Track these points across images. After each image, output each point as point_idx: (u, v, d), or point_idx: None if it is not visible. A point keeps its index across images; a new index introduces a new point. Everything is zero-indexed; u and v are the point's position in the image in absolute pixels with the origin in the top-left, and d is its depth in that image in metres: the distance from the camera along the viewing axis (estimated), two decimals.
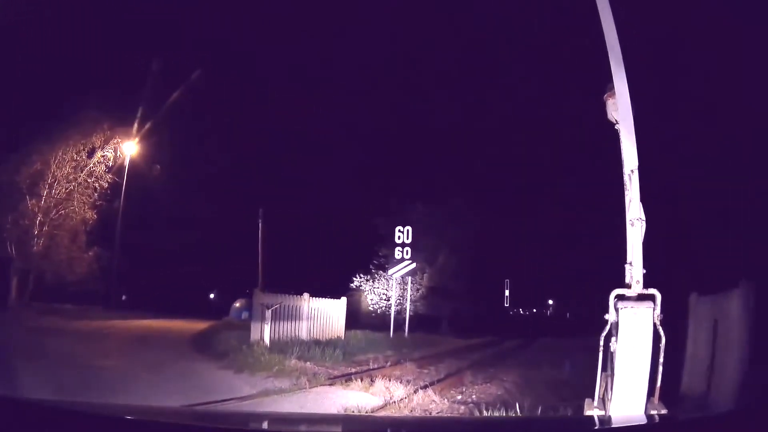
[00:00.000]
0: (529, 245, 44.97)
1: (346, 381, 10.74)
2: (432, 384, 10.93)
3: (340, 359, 14.52)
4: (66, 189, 26.64)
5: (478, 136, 42.85)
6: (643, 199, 5.49)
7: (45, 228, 26.10)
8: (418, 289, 30.97)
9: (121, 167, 29.19)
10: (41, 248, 25.97)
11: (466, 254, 34.52)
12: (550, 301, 71.81)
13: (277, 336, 15.94)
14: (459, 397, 10.21)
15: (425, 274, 32.14)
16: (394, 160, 45.05)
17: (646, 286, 5.28)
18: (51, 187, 26.07)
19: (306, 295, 18.32)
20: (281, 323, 16.49)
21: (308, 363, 13.08)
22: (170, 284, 38.64)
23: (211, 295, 48.54)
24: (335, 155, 44.25)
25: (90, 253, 27.58)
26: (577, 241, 40.80)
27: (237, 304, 31.14)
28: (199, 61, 31.34)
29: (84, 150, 26.94)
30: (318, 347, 15.08)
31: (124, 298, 32.37)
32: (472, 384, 11.80)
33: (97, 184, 27.57)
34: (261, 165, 44.19)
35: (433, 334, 26.26)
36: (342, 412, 7.55)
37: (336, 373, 12.43)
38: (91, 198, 27.47)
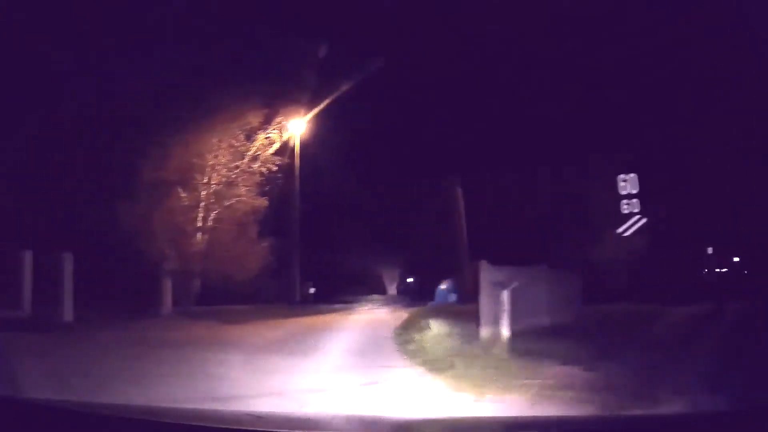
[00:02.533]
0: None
1: None
2: None
3: None
4: (227, 178, 23.68)
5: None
6: None
7: (207, 223, 23.30)
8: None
9: (290, 147, 26.08)
10: (203, 245, 23.12)
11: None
12: (736, 259, 63.40)
13: (514, 325, 11.16)
14: None
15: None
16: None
17: None
18: (209, 178, 23.23)
19: (543, 268, 15.05)
20: (518, 306, 11.62)
21: (575, 368, 8.59)
22: (360, 271, 35.46)
23: (409, 280, 45.85)
24: (517, 109, 38.35)
25: (264, 245, 24.14)
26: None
27: (442, 286, 27.26)
28: (366, 29, 27.63)
29: (242, 133, 23.90)
30: (569, 337, 10.84)
31: (312, 291, 28.52)
32: None
33: (264, 168, 24.30)
34: (446, 136, 39.62)
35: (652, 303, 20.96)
36: None
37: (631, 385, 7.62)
38: (258, 184, 24.28)
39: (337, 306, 27.60)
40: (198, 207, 22.99)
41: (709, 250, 40.27)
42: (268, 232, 24.66)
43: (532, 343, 10.41)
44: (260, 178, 24.23)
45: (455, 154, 37.36)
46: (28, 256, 15.88)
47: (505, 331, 10.56)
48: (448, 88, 37.35)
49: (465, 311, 18.37)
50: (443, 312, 18.74)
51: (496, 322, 10.81)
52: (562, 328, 13.03)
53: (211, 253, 23.06)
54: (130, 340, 12.33)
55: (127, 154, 20.68)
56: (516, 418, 6.24)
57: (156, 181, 21.75)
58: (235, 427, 3.61)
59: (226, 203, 23.52)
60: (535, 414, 6.58)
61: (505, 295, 10.70)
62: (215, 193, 23.32)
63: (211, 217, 23.27)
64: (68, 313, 15.50)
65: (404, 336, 13.08)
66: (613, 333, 12.43)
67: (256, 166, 24.18)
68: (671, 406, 6.17)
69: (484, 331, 10.85)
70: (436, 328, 13.00)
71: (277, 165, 24.55)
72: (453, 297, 26.38)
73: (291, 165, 25.92)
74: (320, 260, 30.49)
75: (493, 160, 35.64)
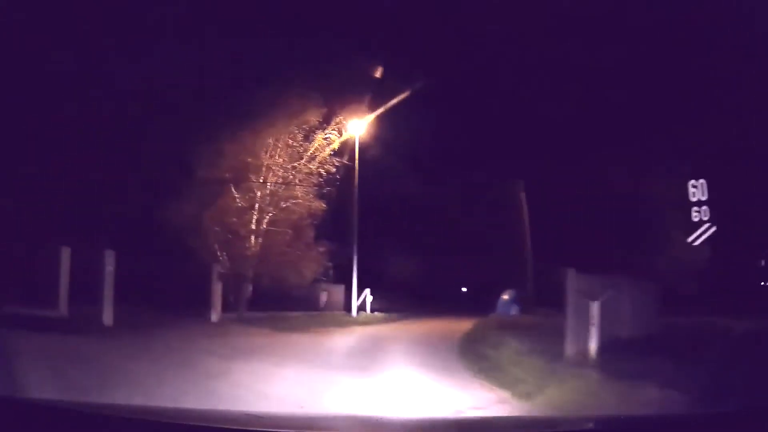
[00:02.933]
0: None
1: None
2: None
3: None
4: (284, 179, 22.63)
5: None
6: None
7: (262, 226, 22.19)
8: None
9: (349, 149, 24.79)
10: (257, 249, 22.02)
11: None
12: None
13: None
14: None
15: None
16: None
17: None
18: (264, 178, 22.21)
19: (623, 277, 14.24)
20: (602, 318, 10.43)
21: (674, 392, 7.74)
22: (413, 279, 34.24)
23: (463, 289, 44.39)
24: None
25: (320, 250, 23.06)
26: None
27: (505, 297, 25.75)
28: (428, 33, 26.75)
29: (300, 132, 22.71)
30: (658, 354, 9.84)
31: (370, 299, 27.16)
32: None
33: (322, 170, 23.15)
34: (508, 139, 38.35)
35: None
36: None
37: None
38: (315, 186, 23.12)
39: (393, 314, 26.45)
40: (252, 208, 21.95)
41: (762, 263, 38.64)
42: (325, 237, 23.54)
43: (623, 361, 9.33)
44: (318, 180, 23.09)
45: (517, 158, 36.04)
46: (65, 253, 14.88)
47: (594, 347, 9.29)
48: (510, 90, 36.10)
49: (533, 323, 17.14)
50: (509, 324, 17.55)
51: (583, 336, 9.54)
52: (648, 343, 11.96)
53: (264, 257, 21.97)
54: (178, 349, 11.33)
55: (179, 150, 19.90)
56: (517, 418, 6.31)
57: (208, 179, 20.93)
58: (235, 427, 3.58)
59: (282, 205, 22.43)
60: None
61: (596, 308, 9.41)
62: (270, 194, 22.28)
63: (265, 220, 22.18)
64: (108, 316, 14.52)
65: (474, 351, 11.86)
66: (700, 350, 11.24)
67: (313, 167, 23.03)
68: None
69: (570, 348, 9.57)
70: (510, 342, 11.77)
71: (335, 166, 23.41)
72: (515, 308, 24.95)
73: (350, 167, 24.72)
74: (375, 266, 29.20)
75: (556, 164, 34.20)
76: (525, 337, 12.34)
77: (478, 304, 29.28)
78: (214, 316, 18.39)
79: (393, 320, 23.86)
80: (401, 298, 30.78)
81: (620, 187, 29.06)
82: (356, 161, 24.88)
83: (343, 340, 14.58)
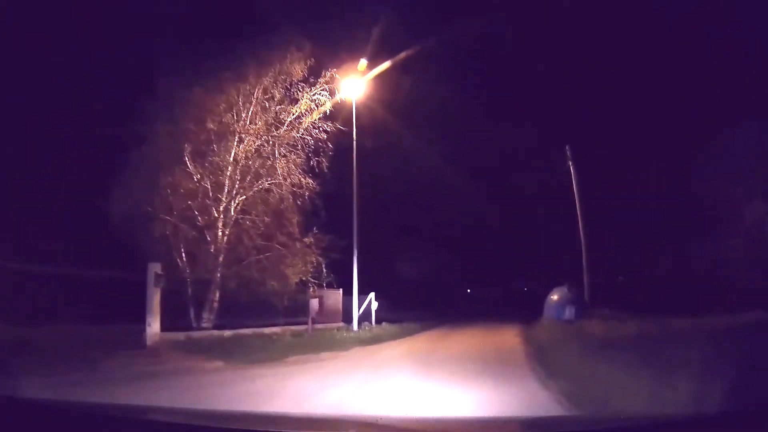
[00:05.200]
0: None
1: None
2: None
3: None
4: (259, 151, 17.50)
5: None
6: None
7: (230, 213, 16.95)
8: None
9: (345, 113, 19.23)
10: (224, 243, 16.71)
11: None
12: None
13: None
14: None
15: None
16: None
17: None
18: (234, 152, 17.05)
19: None
20: None
21: None
22: (422, 280, 30.25)
23: (468, 291, 40.40)
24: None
25: (307, 240, 17.59)
26: None
27: (554, 297, 20.27)
28: None
29: (278, 88, 17.73)
30: None
31: (375, 306, 21.22)
32: None
33: (309, 138, 18.09)
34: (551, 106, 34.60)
35: None
36: None
37: None
38: (302, 160, 18.02)
39: (405, 325, 20.84)
40: (219, 190, 16.81)
41: None
42: (316, 225, 18.04)
43: None
44: (305, 154, 18.06)
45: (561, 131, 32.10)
46: None
47: None
48: (547, 52, 32.64)
49: (625, 333, 11.49)
50: (585, 336, 12.01)
51: None
52: None
53: (234, 254, 16.82)
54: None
55: (113, 118, 15.17)
56: (518, 418, 6.04)
57: (156, 153, 15.99)
58: (235, 427, 3.58)
59: (257, 186, 17.32)
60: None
61: None
62: (242, 171, 17.11)
63: (235, 205, 16.98)
64: None
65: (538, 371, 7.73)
66: None
67: (297, 134, 17.98)
68: None
69: None
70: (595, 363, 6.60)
71: (326, 132, 18.15)
72: (571, 311, 19.13)
73: (347, 133, 19.24)
74: (376, 264, 23.51)
75: (605, 140, 30.17)
76: (665, 369, 6.41)
77: (507, 306, 24.65)
78: (149, 338, 12.90)
79: (408, 334, 18.26)
80: (407, 302, 25.73)
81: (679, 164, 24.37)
82: (354, 129, 19.31)
83: (344, 384, 8.66)
